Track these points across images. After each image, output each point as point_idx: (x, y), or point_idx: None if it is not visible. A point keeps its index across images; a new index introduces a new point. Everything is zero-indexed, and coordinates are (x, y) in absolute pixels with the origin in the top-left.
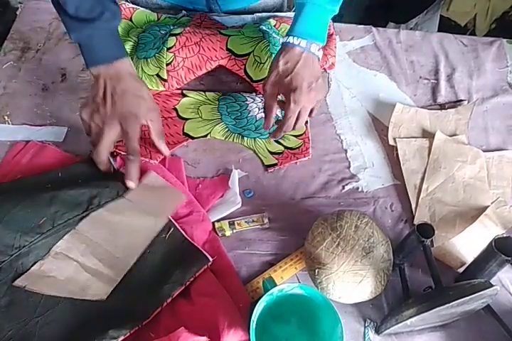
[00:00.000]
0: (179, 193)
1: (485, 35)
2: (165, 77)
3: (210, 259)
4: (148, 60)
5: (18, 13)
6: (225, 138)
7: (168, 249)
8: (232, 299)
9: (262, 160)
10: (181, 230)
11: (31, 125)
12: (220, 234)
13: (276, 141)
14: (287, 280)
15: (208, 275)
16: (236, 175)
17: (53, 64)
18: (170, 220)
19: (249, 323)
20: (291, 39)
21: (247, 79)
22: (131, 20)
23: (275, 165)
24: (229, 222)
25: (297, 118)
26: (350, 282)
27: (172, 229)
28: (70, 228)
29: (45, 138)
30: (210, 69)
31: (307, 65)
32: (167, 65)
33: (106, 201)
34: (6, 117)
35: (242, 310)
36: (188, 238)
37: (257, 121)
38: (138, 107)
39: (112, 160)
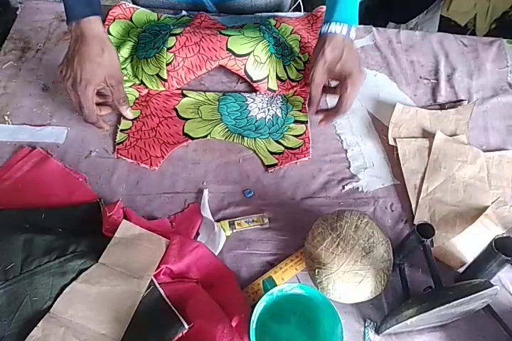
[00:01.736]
0: (158, 240)
1: (485, 35)
2: (165, 77)
3: (186, 327)
4: (149, 59)
5: (18, 13)
6: (225, 138)
7: (145, 309)
8: (233, 310)
9: (262, 160)
10: (160, 289)
11: (31, 125)
12: None
13: (277, 141)
14: (287, 281)
15: (202, 296)
16: (206, 199)
17: (53, 64)
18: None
19: (250, 323)
20: (333, 27)
21: (247, 79)
22: (131, 20)
23: (275, 165)
24: (229, 222)
25: (350, 99)
26: (350, 282)
27: (151, 287)
28: (36, 276)
29: (45, 139)
30: (210, 69)
31: (350, 50)
32: (167, 64)
33: (82, 249)
34: (6, 117)
35: (244, 319)
36: (166, 299)
37: (257, 121)
38: (91, 74)
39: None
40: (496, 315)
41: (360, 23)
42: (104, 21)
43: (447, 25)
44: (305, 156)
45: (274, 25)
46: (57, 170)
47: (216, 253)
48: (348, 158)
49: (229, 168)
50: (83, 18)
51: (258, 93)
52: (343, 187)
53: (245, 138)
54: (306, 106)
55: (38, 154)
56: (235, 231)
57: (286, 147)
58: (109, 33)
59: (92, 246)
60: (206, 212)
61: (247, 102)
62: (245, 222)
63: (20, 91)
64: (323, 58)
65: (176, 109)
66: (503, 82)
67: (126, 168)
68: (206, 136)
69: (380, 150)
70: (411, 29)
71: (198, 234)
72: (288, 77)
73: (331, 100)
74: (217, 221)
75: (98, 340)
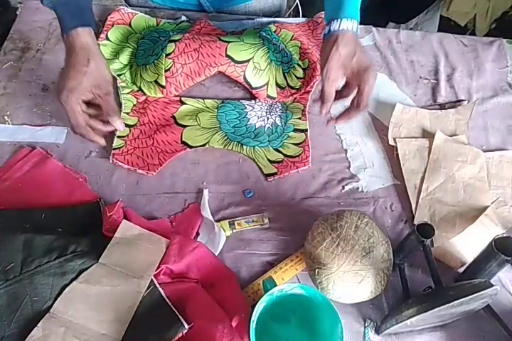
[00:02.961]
0: (158, 240)
1: (485, 35)
2: (163, 84)
3: (186, 327)
4: (147, 66)
5: (18, 13)
6: (224, 146)
7: (145, 309)
8: (233, 310)
9: (261, 169)
10: (160, 289)
11: (31, 125)
12: None
13: (276, 149)
14: (287, 281)
15: (202, 296)
16: (206, 199)
17: (53, 64)
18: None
19: (250, 323)
20: (344, 24)
21: (246, 85)
22: (130, 25)
23: (275, 174)
24: (229, 222)
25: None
26: (350, 282)
27: (152, 287)
28: (37, 276)
29: (45, 139)
30: (209, 75)
31: (360, 46)
32: (165, 71)
33: (82, 249)
34: (6, 117)
35: (244, 319)
36: (166, 299)
37: (256, 129)
38: (75, 83)
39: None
40: (495, 315)
41: (360, 23)
42: (103, 26)
43: (447, 25)
44: (305, 165)
45: (275, 31)
46: (57, 170)
47: (216, 253)
48: (348, 158)
49: (229, 168)
50: (71, 30)
51: (257, 100)
52: (343, 187)
53: (244, 147)
54: (306, 112)
55: (38, 154)
56: (234, 231)
57: (285, 155)
58: (108, 39)
59: (92, 246)
60: (206, 212)
61: (246, 110)
62: (245, 222)
63: (20, 91)
64: (337, 54)
65: (174, 117)
66: (503, 82)
67: (126, 168)
68: (205, 144)
69: (380, 150)
70: (411, 29)
71: (198, 234)
72: (287, 84)
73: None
74: (217, 221)
75: (98, 340)
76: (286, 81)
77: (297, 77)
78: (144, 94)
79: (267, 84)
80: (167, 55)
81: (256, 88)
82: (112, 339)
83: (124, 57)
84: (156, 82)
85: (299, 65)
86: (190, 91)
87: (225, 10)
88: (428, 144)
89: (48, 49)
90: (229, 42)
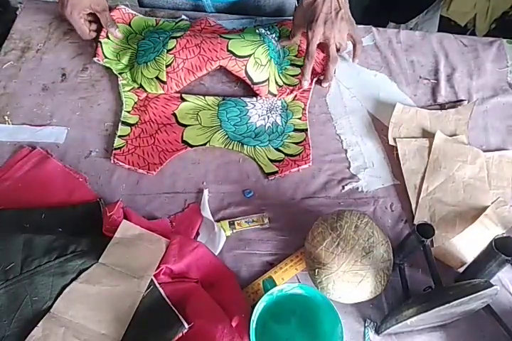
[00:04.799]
0: (158, 240)
1: (485, 35)
2: (164, 79)
3: (186, 326)
4: (148, 63)
5: (18, 13)
6: (225, 145)
7: (145, 308)
8: (233, 310)
9: (262, 168)
10: (160, 289)
11: (31, 125)
12: None
13: (277, 149)
14: (287, 281)
15: (202, 296)
16: (206, 199)
17: (53, 64)
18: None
19: (250, 323)
20: None
21: (247, 81)
22: (129, 25)
23: (276, 172)
24: (229, 222)
25: (328, 48)
26: (350, 282)
27: (152, 286)
28: (37, 276)
29: (45, 139)
30: (210, 69)
31: (330, 1)
32: (167, 66)
33: (82, 249)
34: (6, 117)
35: (244, 319)
36: (167, 299)
37: (256, 128)
38: (77, 1)
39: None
40: (495, 315)
41: (360, 23)
42: None
43: (447, 25)
44: (305, 163)
45: (276, 25)
46: (57, 170)
47: (216, 253)
48: (348, 158)
49: (229, 168)
50: None
51: (258, 98)
52: (343, 187)
53: (245, 146)
54: (307, 112)
55: (38, 154)
56: (234, 231)
57: (286, 154)
58: (108, 38)
59: (92, 246)
60: (206, 212)
61: (248, 107)
62: (245, 222)
63: (20, 91)
64: (301, 4)
65: (174, 115)
66: (503, 82)
67: (126, 168)
68: (205, 144)
69: (380, 150)
70: (411, 29)
71: (198, 234)
72: (284, 82)
73: (331, 100)
74: (217, 221)
75: (98, 340)
76: (282, 79)
77: (291, 75)
78: (145, 90)
79: (268, 80)
80: (168, 51)
81: (257, 83)
82: (111, 339)
83: (125, 59)
84: (157, 78)
85: (292, 64)
86: (191, 90)
87: (229, 5)
88: (428, 144)
89: (48, 49)
90: (230, 38)
